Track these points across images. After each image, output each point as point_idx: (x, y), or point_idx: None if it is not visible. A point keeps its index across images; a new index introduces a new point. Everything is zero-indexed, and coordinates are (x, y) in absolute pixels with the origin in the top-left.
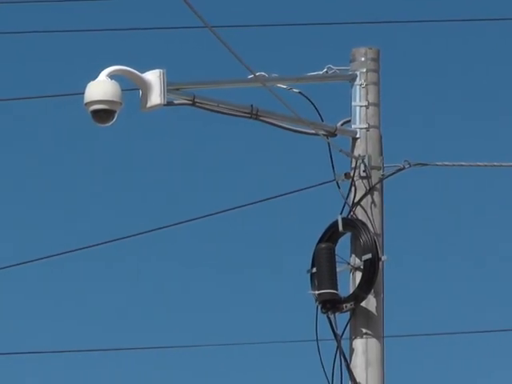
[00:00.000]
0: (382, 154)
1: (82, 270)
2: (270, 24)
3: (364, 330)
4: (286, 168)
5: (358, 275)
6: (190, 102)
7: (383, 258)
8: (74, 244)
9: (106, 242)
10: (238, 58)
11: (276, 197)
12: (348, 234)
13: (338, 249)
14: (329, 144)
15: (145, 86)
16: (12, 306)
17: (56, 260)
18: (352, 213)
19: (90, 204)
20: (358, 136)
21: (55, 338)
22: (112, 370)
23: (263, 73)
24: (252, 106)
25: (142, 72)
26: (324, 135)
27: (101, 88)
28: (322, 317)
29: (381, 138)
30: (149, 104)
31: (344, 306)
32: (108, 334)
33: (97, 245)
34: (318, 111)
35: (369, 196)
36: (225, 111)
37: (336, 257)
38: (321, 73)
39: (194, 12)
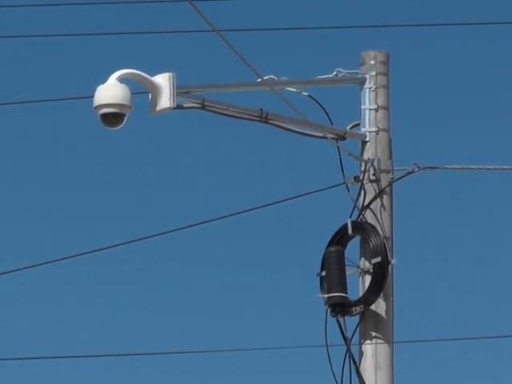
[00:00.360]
0: (391, 158)
1: (88, 273)
2: (279, 27)
3: (373, 334)
4: (295, 171)
5: (368, 279)
6: (200, 106)
7: (393, 261)
8: (81, 247)
9: (115, 246)
10: (245, 62)
11: (285, 200)
12: (357, 238)
13: (347, 252)
14: (338, 147)
15: (154, 90)
16: (17, 310)
17: (62, 263)
18: (361, 216)
19: (99, 207)
20: (367, 139)
21: (61, 343)
22: (119, 375)
23: (273, 76)
24: (261, 109)
25: (152, 75)
26: (333, 138)
27: (110, 91)
28: (332, 320)
29: (390, 141)
30: (158, 107)
31: (353, 309)
32: (113, 338)
33: (106, 248)
34: (327, 114)
35: (378, 199)
36: (234, 114)
37: (345, 260)
38: (330, 76)
39: (202, 16)
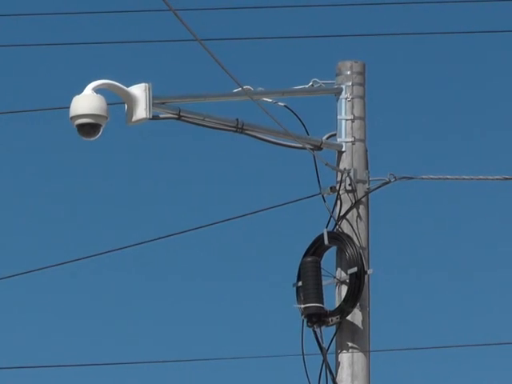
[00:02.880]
0: (367, 168)
1: (74, 282)
2: (255, 37)
3: (350, 344)
4: (272, 181)
5: (344, 289)
6: (176, 116)
7: (369, 271)
8: (63, 257)
9: (93, 255)
10: (226, 72)
11: (262, 210)
12: (334, 248)
13: (323, 262)
14: (314, 157)
15: (130, 100)
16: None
17: (47, 272)
18: (337, 226)
19: (77, 218)
20: (343, 149)
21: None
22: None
23: (249, 86)
24: (237, 119)
25: (128, 86)
26: (310, 149)
27: (86, 102)
28: (308, 330)
29: (366, 151)
30: (134, 118)
31: (330, 319)
32: (103, 347)
33: (85, 258)
34: (303, 125)
35: (354, 209)
36: (210, 125)
37: (322, 270)
38: (306, 86)
39: (185, 25)
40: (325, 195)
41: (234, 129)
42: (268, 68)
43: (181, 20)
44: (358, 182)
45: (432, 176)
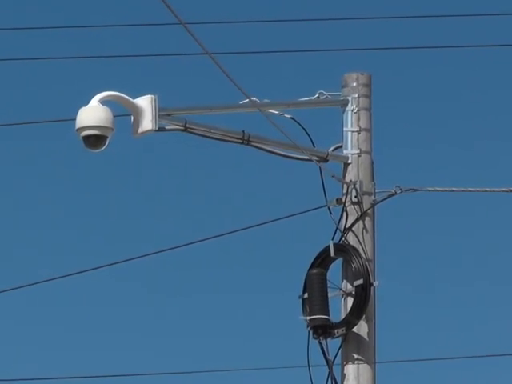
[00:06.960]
0: (373, 180)
1: (75, 294)
2: (262, 51)
3: (356, 356)
4: (278, 193)
5: (350, 301)
6: (182, 128)
7: (375, 283)
8: (62, 269)
9: (96, 268)
10: (235, 84)
11: (268, 222)
12: (339, 260)
13: (329, 274)
14: (320, 169)
15: (136, 112)
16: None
17: (51, 283)
18: (343, 238)
19: (82, 229)
20: (349, 161)
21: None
22: None
23: (255, 98)
24: (244, 131)
25: (134, 98)
26: (316, 161)
27: (92, 114)
28: (314, 342)
29: (372, 163)
30: (140, 130)
31: (336, 331)
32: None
33: (90, 270)
34: (309, 137)
35: (360, 221)
36: (216, 137)
37: (328, 282)
38: (313, 98)
39: (195, 39)
40: (331, 207)
41: (241, 140)
42: (274, 80)
43: (191, 33)
44: (363, 194)
45: (438, 188)
